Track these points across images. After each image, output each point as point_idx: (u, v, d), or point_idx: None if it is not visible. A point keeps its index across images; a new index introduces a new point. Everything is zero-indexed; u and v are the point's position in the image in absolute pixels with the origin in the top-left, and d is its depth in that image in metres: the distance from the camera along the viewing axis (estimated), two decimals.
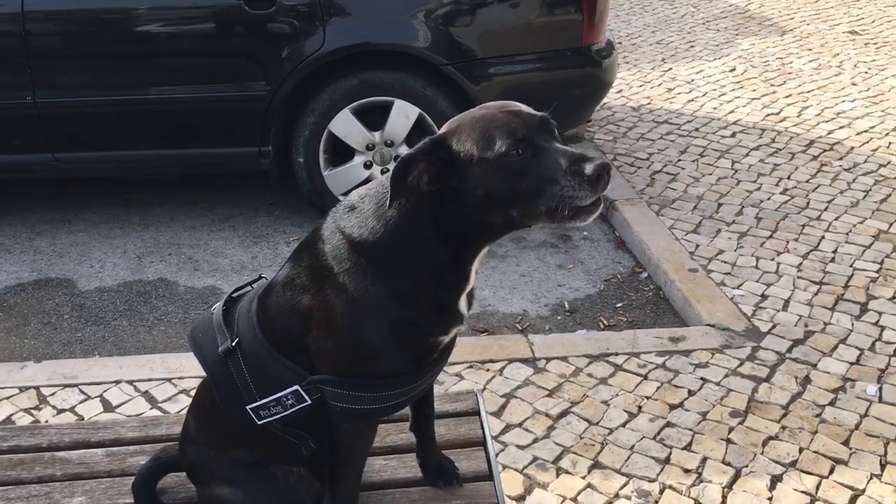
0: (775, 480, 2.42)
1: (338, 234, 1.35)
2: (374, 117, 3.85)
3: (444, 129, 1.32)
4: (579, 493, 2.38)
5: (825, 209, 4.04)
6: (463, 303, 1.38)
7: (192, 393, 2.77)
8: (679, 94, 5.60)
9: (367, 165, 3.92)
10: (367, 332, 1.33)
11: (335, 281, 1.32)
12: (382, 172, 3.90)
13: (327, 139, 3.85)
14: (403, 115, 3.81)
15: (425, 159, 1.27)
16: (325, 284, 1.34)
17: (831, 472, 2.46)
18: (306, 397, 1.38)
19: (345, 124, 3.81)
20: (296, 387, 1.37)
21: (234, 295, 1.50)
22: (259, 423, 1.41)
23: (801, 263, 3.59)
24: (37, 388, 2.84)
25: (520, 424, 2.67)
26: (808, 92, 5.55)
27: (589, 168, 1.21)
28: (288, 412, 1.39)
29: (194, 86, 3.77)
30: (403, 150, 3.89)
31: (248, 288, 1.51)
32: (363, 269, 1.32)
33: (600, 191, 1.23)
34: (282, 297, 1.39)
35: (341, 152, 3.93)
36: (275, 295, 1.41)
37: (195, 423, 1.53)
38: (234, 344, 1.40)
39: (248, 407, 1.40)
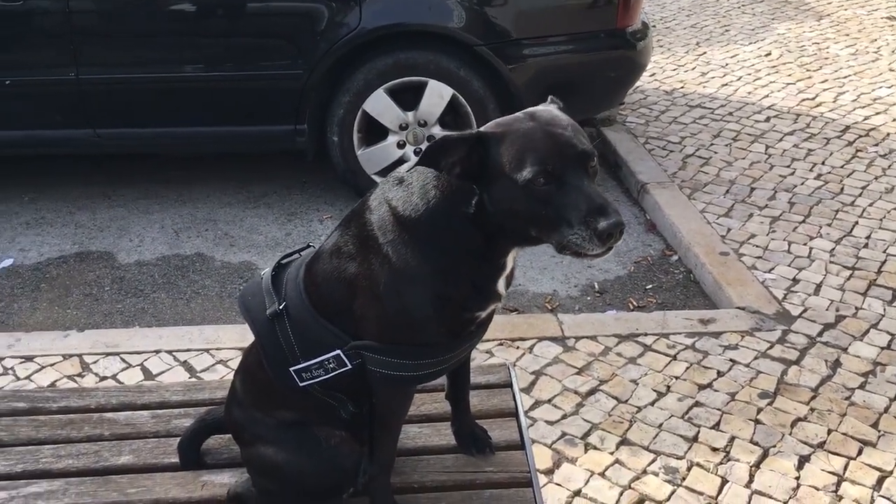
0: (803, 461, 2.44)
1: (385, 205, 1.39)
2: (407, 97, 3.88)
3: (492, 127, 1.33)
4: (607, 468, 2.42)
5: (859, 195, 4.01)
6: (501, 283, 1.42)
7: (230, 363, 2.86)
8: (713, 78, 5.56)
9: (401, 145, 3.96)
10: (407, 303, 1.37)
11: (379, 251, 1.37)
12: (415, 153, 3.94)
13: (361, 118, 3.89)
14: (437, 95, 3.84)
15: (464, 151, 1.28)
16: (370, 254, 1.38)
17: (859, 453, 2.47)
18: (347, 362, 1.42)
19: (379, 104, 3.85)
20: (337, 351, 1.42)
21: (282, 261, 1.55)
22: (301, 384, 1.46)
23: (833, 248, 3.58)
24: (80, 356, 2.92)
25: (549, 401, 2.71)
26: (845, 77, 5.49)
27: (603, 224, 1.22)
28: (329, 375, 1.44)
29: (232, 64, 3.83)
30: (437, 130, 3.93)
31: (297, 255, 1.56)
32: (406, 242, 1.35)
33: (607, 247, 1.24)
34: (328, 265, 1.44)
35: (375, 131, 3.97)
36: (322, 262, 1.46)
37: (241, 385, 1.59)
38: (281, 308, 1.45)
39: (291, 369, 1.46)
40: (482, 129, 1.33)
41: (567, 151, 1.27)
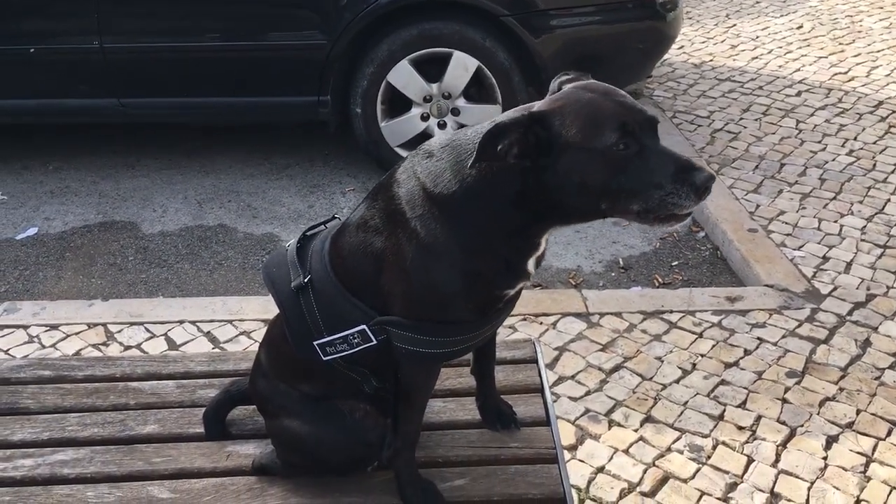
0: (831, 441, 2.41)
1: (413, 179, 1.35)
2: (432, 69, 3.83)
3: (545, 105, 1.29)
4: (631, 445, 2.40)
5: (892, 171, 3.93)
6: (531, 262, 1.39)
7: (253, 335, 2.86)
8: (743, 51, 5.45)
9: (424, 117, 3.92)
10: (434, 279, 1.34)
11: (407, 225, 1.34)
12: (439, 125, 3.90)
13: (385, 90, 3.85)
14: (462, 67, 3.79)
15: (520, 132, 1.25)
16: (397, 228, 1.35)
17: (888, 434, 2.43)
18: (372, 337, 1.40)
19: (403, 75, 3.81)
20: (363, 326, 1.40)
21: (308, 233, 1.53)
22: (324, 359, 1.44)
23: (864, 226, 3.51)
24: (104, 325, 2.94)
25: (572, 377, 2.69)
26: (878, 51, 5.36)
27: (699, 178, 1.21)
28: (353, 350, 1.42)
29: (256, 34, 3.80)
30: (461, 103, 3.88)
31: (322, 227, 1.54)
32: (435, 217, 1.32)
33: (702, 200, 1.23)
34: (355, 238, 1.41)
35: (399, 103, 3.93)
36: (348, 235, 1.43)
37: (266, 357, 1.58)
38: (305, 280, 1.43)
39: (315, 342, 1.44)
40: (535, 108, 1.29)
41: (638, 116, 1.25)
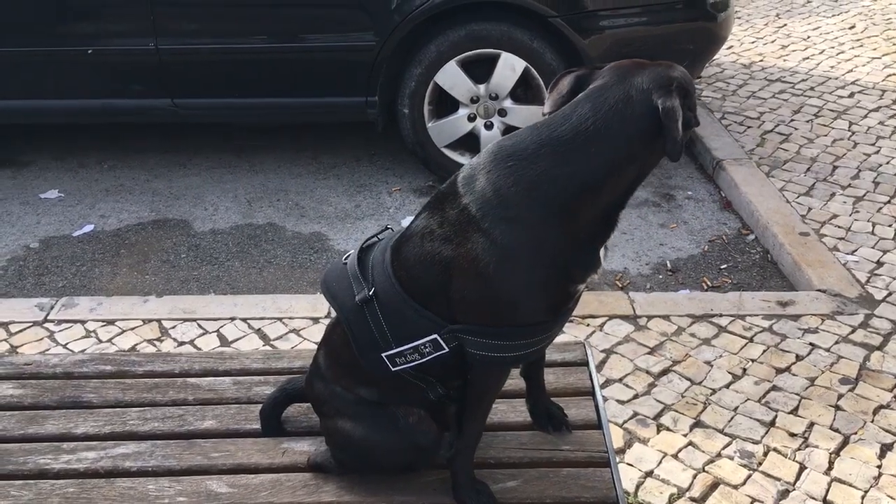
0: (885, 449, 2.37)
1: (488, 186, 1.34)
2: (479, 70, 3.84)
3: (675, 79, 1.32)
4: (680, 450, 2.39)
5: None
6: (602, 251, 1.40)
7: (302, 333, 2.90)
8: (794, 51, 5.37)
9: (471, 118, 3.93)
10: (515, 281, 1.35)
11: (482, 231, 1.33)
12: (486, 126, 3.91)
13: (433, 90, 3.87)
14: (510, 67, 3.79)
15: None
16: (469, 234, 1.35)
17: None
18: (444, 346, 1.41)
19: (451, 76, 3.82)
20: (434, 336, 1.41)
21: (364, 245, 1.54)
22: (393, 369, 1.45)
23: None
24: (159, 321, 3.01)
25: (620, 380, 2.68)
26: None
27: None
28: (424, 360, 1.43)
29: (307, 36, 3.85)
30: (508, 104, 3.88)
31: (376, 239, 1.54)
32: (513, 218, 1.32)
33: None
34: (420, 248, 1.41)
35: (446, 104, 3.95)
36: (412, 245, 1.43)
37: (325, 360, 1.59)
38: (370, 293, 1.44)
39: (383, 354, 1.45)
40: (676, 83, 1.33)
41: None
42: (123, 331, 2.96)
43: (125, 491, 1.59)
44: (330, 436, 1.59)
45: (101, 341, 2.91)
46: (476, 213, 1.35)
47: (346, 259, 1.54)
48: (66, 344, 2.89)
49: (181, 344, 2.88)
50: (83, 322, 3.00)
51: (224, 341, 2.90)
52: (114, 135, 4.55)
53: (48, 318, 3.01)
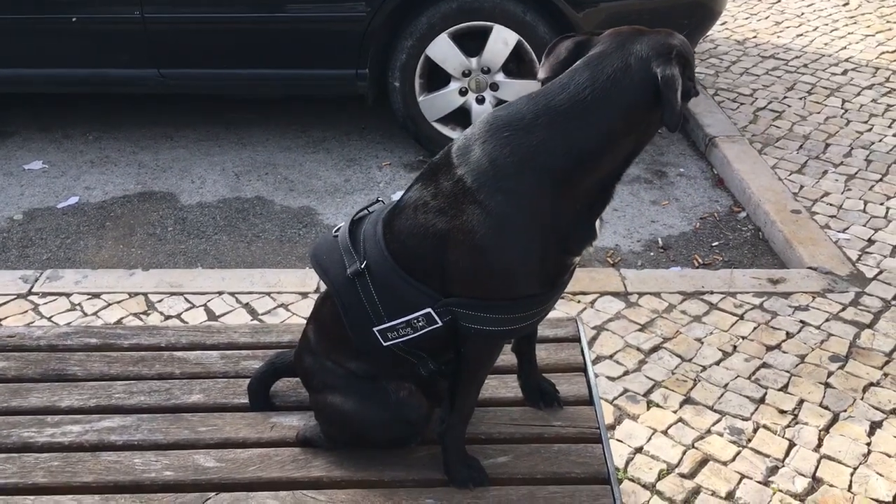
0: (874, 426, 2.37)
1: (484, 156, 1.31)
2: (471, 43, 3.79)
3: (675, 47, 1.29)
4: (670, 426, 2.38)
5: None
6: (598, 222, 1.38)
7: (291, 307, 2.88)
8: (787, 27, 5.33)
9: (463, 92, 3.88)
10: (511, 252, 1.32)
11: (478, 202, 1.31)
12: (477, 100, 3.87)
13: (424, 64, 3.82)
14: (502, 41, 3.74)
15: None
16: (465, 205, 1.32)
17: None
18: (438, 319, 1.39)
19: (442, 49, 3.77)
20: (428, 309, 1.38)
21: (355, 218, 1.51)
22: (385, 344, 1.43)
23: None
24: (145, 294, 2.97)
25: (611, 356, 2.67)
26: None
27: None
28: (417, 334, 1.41)
29: (296, 6, 3.78)
30: (500, 78, 3.84)
31: (366, 211, 1.51)
32: (509, 189, 1.30)
33: None
34: (414, 220, 1.38)
35: (437, 78, 3.90)
36: (405, 217, 1.40)
37: (315, 334, 1.56)
38: (363, 266, 1.41)
39: (375, 329, 1.42)
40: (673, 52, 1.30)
41: None
42: (109, 304, 2.92)
43: (111, 465, 1.57)
44: (319, 410, 1.57)
45: (86, 314, 2.87)
46: (471, 184, 1.32)
47: (336, 232, 1.51)
48: (51, 317, 2.85)
49: (168, 318, 2.85)
50: (68, 295, 2.96)
51: (211, 315, 2.87)
52: (99, 105, 4.48)
53: (32, 290, 2.97)
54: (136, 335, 1.93)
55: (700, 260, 3.30)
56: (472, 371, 1.48)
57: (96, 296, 2.96)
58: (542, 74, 1.37)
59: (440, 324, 1.39)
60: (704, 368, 2.60)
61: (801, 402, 2.46)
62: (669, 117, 1.25)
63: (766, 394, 2.49)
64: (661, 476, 2.22)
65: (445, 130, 3.92)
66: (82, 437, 1.63)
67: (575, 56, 1.35)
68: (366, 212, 1.53)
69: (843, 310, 2.85)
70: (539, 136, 1.30)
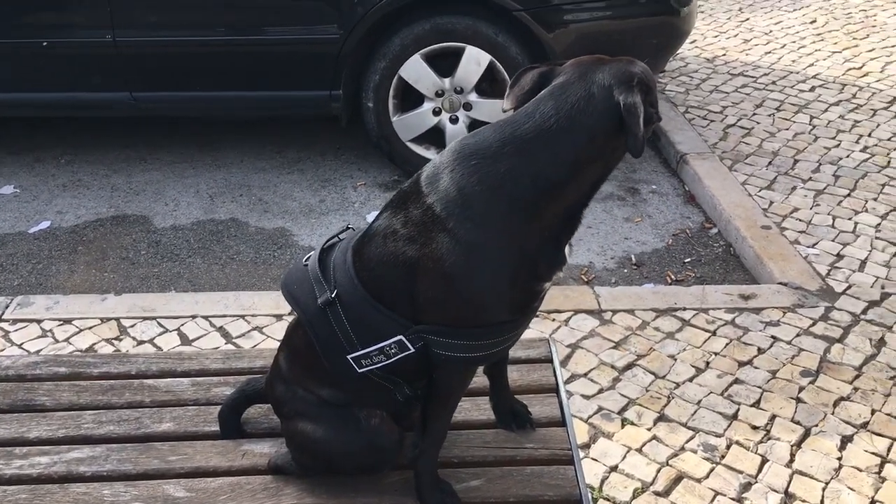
0: (846, 441, 2.40)
1: (451, 185, 1.32)
2: (444, 63, 3.82)
3: (637, 75, 1.30)
4: (644, 444, 2.40)
5: None
6: (567, 248, 1.39)
7: (265, 330, 2.86)
8: (756, 45, 5.42)
9: (436, 112, 3.91)
10: (480, 280, 1.33)
11: (447, 230, 1.31)
12: (451, 120, 3.89)
13: (397, 84, 3.84)
14: (475, 61, 3.77)
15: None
16: (433, 233, 1.32)
17: None
18: (410, 346, 1.39)
19: (415, 69, 3.80)
20: (399, 336, 1.39)
21: (325, 246, 1.51)
22: (359, 371, 1.43)
23: (879, 224, 3.49)
24: (117, 319, 2.94)
25: (585, 374, 2.68)
26: (893, 46, 5.33)
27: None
28: (391, 361, 1.41)
29: (269, 28, 3.79)
30: (473, 98, 3.86)
31: (337, 239, 1.51)
32: (478, 217, 1.30)
33: None
34: (384, 248, 1.38)
35: (410, 98, 3.92)
36: (375, 245, 1.40)
37: (286, 362, 1.55)
38: (333, 295, 1.41)
39: (349, 356, 1.42)
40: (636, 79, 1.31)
41: None
42: (81, 330, 2.89)
43: (79, 497, 1.54)
44: (291, 438, 1.56)
45: (57, 341, 2.84)
46: (440, 212, 1.32)
47: (306, 260, 1.51)
48: (22, 344, 2.82)
49: (140, 343, 2.83)
50: (39, 321, 2.93)
51: (185, 340, 2.85)
52: (71, 128, 4.45)
53: (2, 317, 2.94)
54: (105, 363, 1.91)
55: (673, 276, 3.33)
56: (445, 397, 1.48)
57: (68, 321, 2.93)
58: (507, 105, 1.39)
59: (412, 350, 1.40)
60: (678, 385, 2.62)
61: (773, 417, 2.48)
62: (633, 144, 1.27)
63: (738, 410, 2.51)
64: (636, 494, 2.23)
65: (420, 150, 3.94)
66: (51, 468, 1.61)
67: (539, 86, 1.37)
68: (336, 239, 1.53)
69: (814, 324, 2.89)
70: (506, 164, 1.31)
